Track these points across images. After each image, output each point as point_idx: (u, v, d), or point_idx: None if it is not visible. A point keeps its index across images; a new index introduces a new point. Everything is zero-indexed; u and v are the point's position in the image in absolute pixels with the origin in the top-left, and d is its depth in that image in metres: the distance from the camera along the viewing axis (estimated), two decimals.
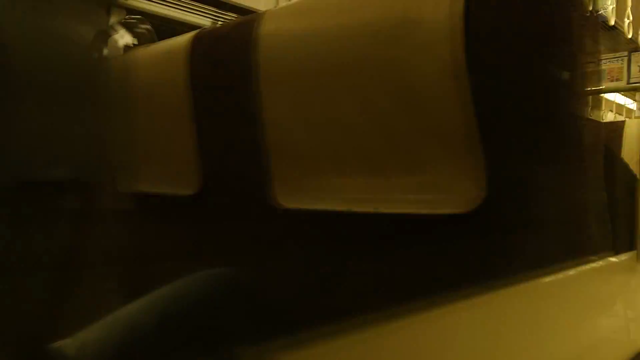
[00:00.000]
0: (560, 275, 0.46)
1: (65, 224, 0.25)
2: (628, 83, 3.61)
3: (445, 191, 0.52)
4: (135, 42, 0.93)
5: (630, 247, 0.60)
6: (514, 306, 0.39)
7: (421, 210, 0.53)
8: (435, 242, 0.56)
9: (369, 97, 0.55)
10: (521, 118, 0.49)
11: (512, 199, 0.50)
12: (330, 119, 0.58)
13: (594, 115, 0.51)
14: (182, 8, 1.80)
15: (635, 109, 4.37)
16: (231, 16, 1.92)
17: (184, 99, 0.74)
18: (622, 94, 4.17)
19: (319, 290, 0.65)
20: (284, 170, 0.65)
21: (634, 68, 3.62)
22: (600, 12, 3.12)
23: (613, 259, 0.55)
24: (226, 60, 0.70)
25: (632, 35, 3.58)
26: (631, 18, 3.53)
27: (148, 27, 0.96)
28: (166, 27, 1.71)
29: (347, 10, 0.56)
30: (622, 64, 3.64)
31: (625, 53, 3.64)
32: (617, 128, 1.63)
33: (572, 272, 0.48)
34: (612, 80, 3.59)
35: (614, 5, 3.29)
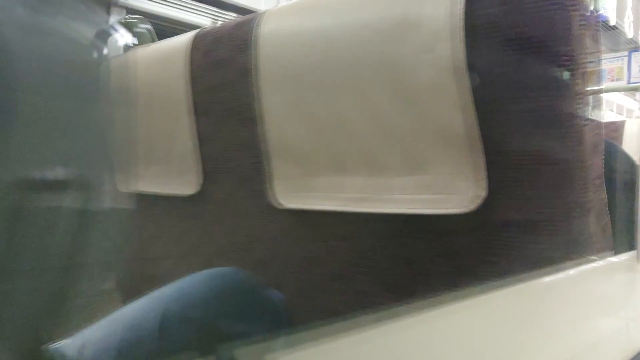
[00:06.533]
0: (560, 275, 0.46)
1: (66, 225, 0.25)
2: (628, 83, 3.61)
3: (445, 191, 0.52)
4: (135, 42, 0.93)
5: (630, 247, 0.60)
6: (514, 306, 0.39)
7: (421, 210, 0.53)
8: (435, 242, 0.56)
9: (368, 96, 0.55)
10: (521, 118, 0.49)
11: (512, 199, 0.50)
12: (330, 118, 0.58)
13: (594, 115, 0.51)
14: (182, 8, 1.80)
15: (635, 109, 4.37)
16: (231, 16, 1.92)
17: (184, 98, 0.74)
18: (623, 94, 4.17)
19: (319, 290, 0.65)
20: (284, 170, 0.65)
21: (634, 68, 3.62)
22: (600, 12, 3.12)
23: (613, 259, 0.55)
24: (226, 60, 0.70)
25: (632, 35, 3.58)
26: (631, 18, 3.53)
27: (148, 27, 0.96)
28: (166, 27, 1.71)
29: (347, 10, 0.56)
30: (622, 64, 3.64)
31: (625, 53, 3.64)
32: (617, 128, 1.63)
33: (572, 272, 0.48)
34: (612, 80, 3.59)
35: (614, 5, 3.29)
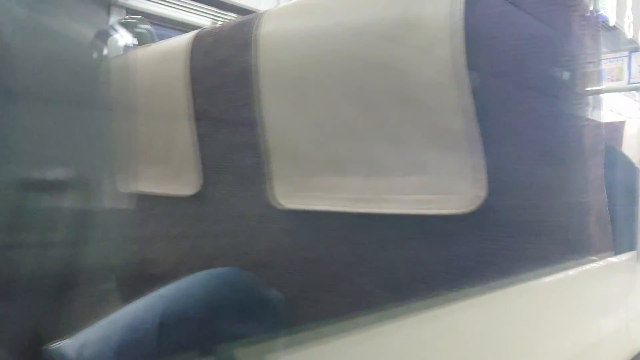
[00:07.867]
0: (560, 275, 0.46)
1: (66, 225, 0.25)
2: (628, 83, 3.61)
3: (445, 191, 0.52)
4: (135, 42, 0.93)
5: (630, 247, 0.60)
6: (514, 306, 0.39)
7: (421, 210, 0.53)
8: (435, 242, 0.56)
9: (368, 97, 0.55)
10: (521, 118, 0.49)
11: (512, 199, 0.50)
12: (329, 118, 0.58)
13: (593, 116, 0.51)
14: (182, 8, 1.80)
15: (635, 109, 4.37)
16: (231, 16, 1.92)
17: (184, 99, 0.74)
18: (623, 94, 4.17)
19: (319, 290, 0.65)
20: (284, 170, 0.65)
21: (634, 68, 3.62)
22: (600, 12, 3.12)
23: (613, 259, 0.55)
24: (226, 60, 0.70)
25: (632, 36, 3.58)
26: (631, 18, 3.53)
27: (148, 27, 0.96)
28: (165, 28, 1.71)
29: (347, 10, 0.56)
30: (622, 64, 3.64)
31: (625, 53, 3.64)
32: (617, 128, 1.63)
33: (572, 272, 0.48)
34: (612, 80, 3.59)
35: (614, 6, 3.29)
